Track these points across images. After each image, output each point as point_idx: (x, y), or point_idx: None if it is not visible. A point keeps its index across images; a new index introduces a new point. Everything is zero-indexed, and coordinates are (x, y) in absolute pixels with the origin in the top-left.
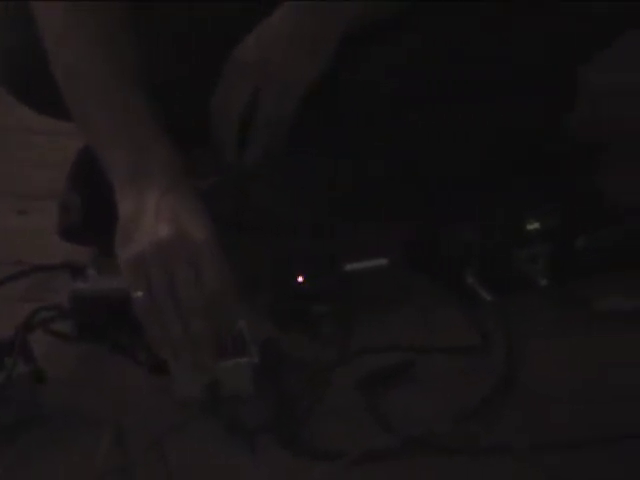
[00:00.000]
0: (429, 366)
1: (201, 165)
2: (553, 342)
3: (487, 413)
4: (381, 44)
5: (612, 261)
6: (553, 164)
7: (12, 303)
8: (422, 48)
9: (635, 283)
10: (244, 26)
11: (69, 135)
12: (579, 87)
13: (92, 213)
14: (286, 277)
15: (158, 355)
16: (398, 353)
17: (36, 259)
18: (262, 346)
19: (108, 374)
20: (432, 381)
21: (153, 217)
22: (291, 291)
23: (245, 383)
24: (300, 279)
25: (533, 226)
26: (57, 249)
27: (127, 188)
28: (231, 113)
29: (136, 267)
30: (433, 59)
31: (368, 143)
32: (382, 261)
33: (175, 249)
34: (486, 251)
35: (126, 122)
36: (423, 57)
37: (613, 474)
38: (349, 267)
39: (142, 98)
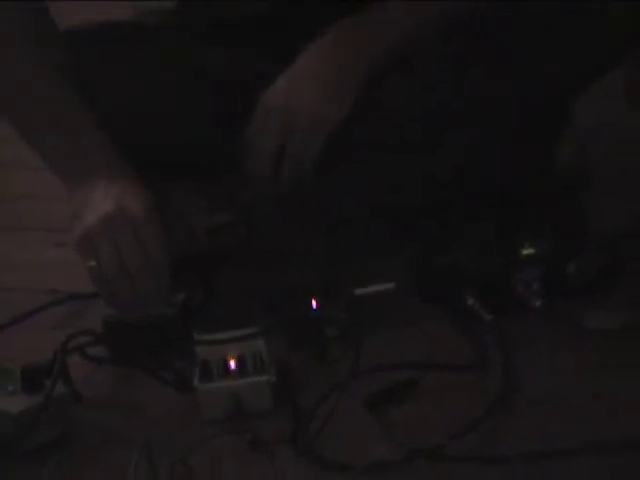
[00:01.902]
0: (432, 383)
1: (216, 200)
2: (547, 358)
3: (486, 426)
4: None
5: (599, 283)
6: (543, 195)
7: (48, 330)
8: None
9: (620, 302)
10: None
11: None
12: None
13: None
14: (300, 302)
15: (184, 375)
16: (403, 371)
17: (71, 288)
18: (278, 366)
19: (138, 394)
20: (435, 397)
21: (101, 200)
22: (304, 315)
23: (265, 400)
24: (314, 304)
25: (528, 251)
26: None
27: (78, 184)
28: (262, 153)
29: (85, 241)
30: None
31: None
32: (389, 285)
33: (117, 220)
34: (485, 275)
35: (65, 122)
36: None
37: None
38: (358, 291)
39: (78, 102)
